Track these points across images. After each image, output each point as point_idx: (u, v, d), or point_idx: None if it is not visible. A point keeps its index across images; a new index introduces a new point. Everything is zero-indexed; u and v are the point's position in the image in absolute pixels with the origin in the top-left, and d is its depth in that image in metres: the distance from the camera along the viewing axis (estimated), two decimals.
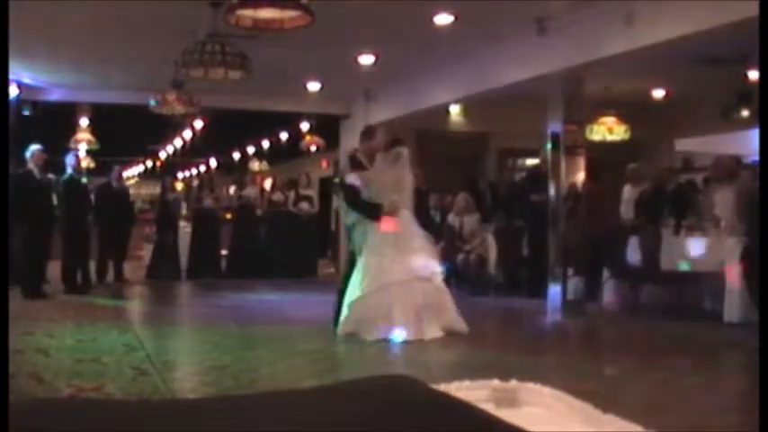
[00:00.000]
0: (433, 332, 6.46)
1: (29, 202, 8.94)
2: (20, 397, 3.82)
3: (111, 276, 11.21)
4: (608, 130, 11.46)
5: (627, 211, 9.29)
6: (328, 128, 14.50)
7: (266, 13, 5.76)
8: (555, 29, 7.99)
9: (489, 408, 1.51)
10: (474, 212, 10.60)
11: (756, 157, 8.84)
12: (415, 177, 7.54)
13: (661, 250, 8.42)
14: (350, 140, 13.02)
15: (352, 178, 6.89)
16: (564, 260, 8.48)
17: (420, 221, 7.13)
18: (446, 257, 10.49)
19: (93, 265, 10.68)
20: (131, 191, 28.00)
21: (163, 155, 21.87)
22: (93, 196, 10.80)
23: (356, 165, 6.99)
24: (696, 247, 8.15)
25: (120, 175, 12.03)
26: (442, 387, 1.61)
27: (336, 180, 9.68)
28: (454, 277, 10.45)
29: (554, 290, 8.36)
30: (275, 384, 4.79)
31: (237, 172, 19.42)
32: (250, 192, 13.45)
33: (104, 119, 13.94)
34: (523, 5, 7.59)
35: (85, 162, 12.62)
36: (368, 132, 7.18)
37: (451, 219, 10.68)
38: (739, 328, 7.10)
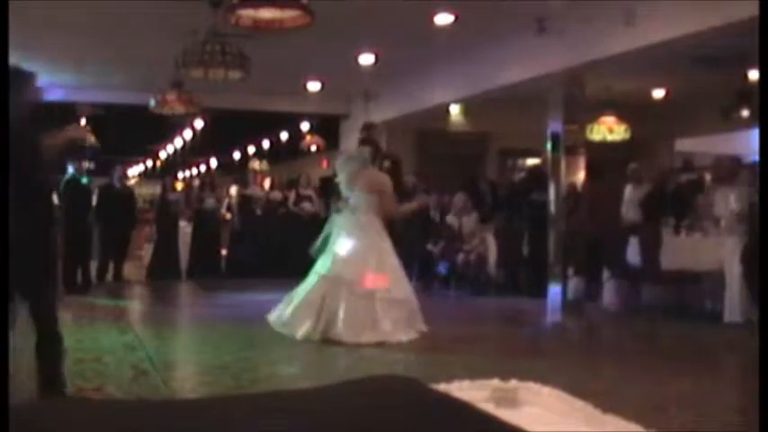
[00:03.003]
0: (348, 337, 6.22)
1: None
2: (20, 397, 3.83)
3: (110, 276, 11.20)
4: (608, 130, 11.46)
5: (628, 211, 9.26)
6: (328, 128, 14.50)
7: (266, 13, 5.77)
8: (555, 29, 7.99)
9: (489, 408, 1.51)
10: (472, 212, 10.59)
11: (756, 157, 8.83)
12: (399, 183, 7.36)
13: (661, 250, 8.42)
14: (350, 140, 13.02)
15: None
16: (564, 260, 8.48)
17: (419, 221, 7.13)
18: (446, 257, 10.52)
19: (93, 266, 10.67)
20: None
21: (163, 155, 21.88)
22: (95, 197, 10.78)
23: None
24: (696, 246, 8.16)
25: (124, 176, 12.00)
26: (442, 387, 1.61)
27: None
28: (454, 277, 10.48)
29: (554, 290, 8.36)
30: (275, 384, 4.79)
31: (238, 172, 19.44)
32: (253, 191, 13.43)
33: (104, 119, 13.93)
34: (523, 5, 7.59)
35: (86, 162, 12.60)
36: (366, 128, 7.30)
37: (450, 219, 10.68)
38: (739, 328, 7.10)
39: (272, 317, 6.72)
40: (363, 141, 7.15)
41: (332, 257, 6.59)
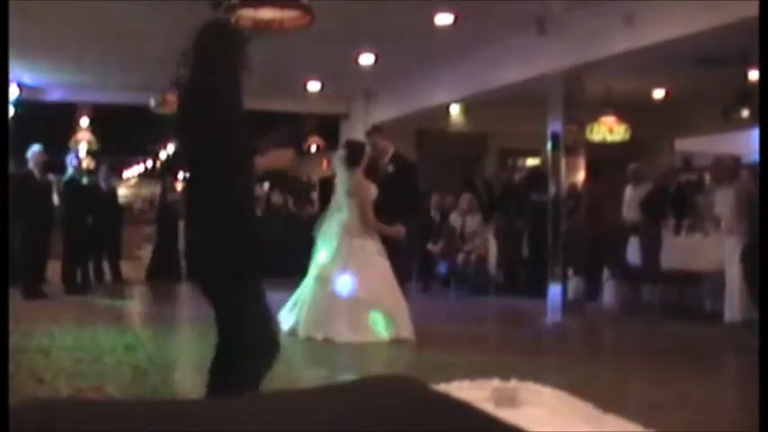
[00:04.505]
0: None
1: (29, 202, 8.94)
2: (20, 397, 3.83)
3: (109, 276, 11.20)
4: (608, 130, 11.46)
5: (629, 211, 9.26)
6: (328, 128, 14.50)
7: (266, 13, 5.77)
8: (555, 29, 7.99)
9: (489, 408, 1.51)
10: (477, 213, 10.61)
11: (756, 157, 8.83)
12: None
13: (661, 250, 8.42)
14: None
15: None
16: (564, 260, 8.48)
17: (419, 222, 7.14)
18: (446, 257, 10.52)
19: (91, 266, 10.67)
20: (132, 191, 28.06)
21: (163, 155, 21.86)
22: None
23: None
24: (696, 246, 8.15)
25: (109, 175, 11.99)
26: (442, 387, 1.60)
27: None
28: (454, 277, 10.48)
29: (554, 290, 8.36)
30: (275, 384, 4.78)
31: None
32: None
33: (104, 119, 13.93)
34: (523, 5, 7.60)
35: (86, 162, 12.61)
36: (369, 131, 7.35)
37: (454, 218, 10.68)
38: (739, 328, 7.10)
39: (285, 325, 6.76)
40: (346, 144, 7.18)
41: (316, 257, 6.84)
